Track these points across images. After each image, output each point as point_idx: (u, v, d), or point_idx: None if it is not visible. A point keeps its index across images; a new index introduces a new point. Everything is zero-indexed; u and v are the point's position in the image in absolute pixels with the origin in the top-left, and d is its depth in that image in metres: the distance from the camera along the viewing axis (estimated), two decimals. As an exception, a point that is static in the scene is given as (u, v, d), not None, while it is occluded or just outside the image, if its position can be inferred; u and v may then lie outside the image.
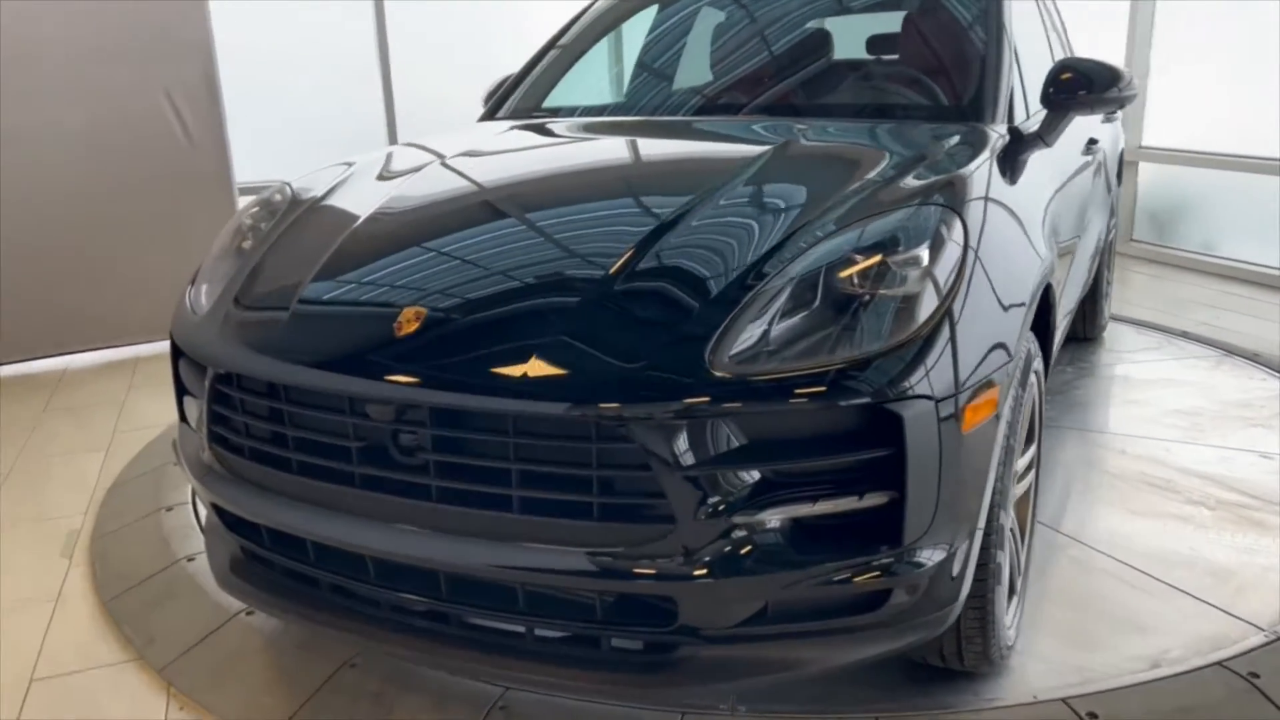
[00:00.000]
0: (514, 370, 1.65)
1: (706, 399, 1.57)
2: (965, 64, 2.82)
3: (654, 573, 1.61)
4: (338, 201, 2.37)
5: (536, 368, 1.64)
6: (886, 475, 1.60)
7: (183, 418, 2.21)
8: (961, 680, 2.09)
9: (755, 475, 1.60)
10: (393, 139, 6.06)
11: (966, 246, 1.83)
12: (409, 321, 1.77)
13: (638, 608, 1.70)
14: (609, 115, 3.17)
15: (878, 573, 1.64)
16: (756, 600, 1.66)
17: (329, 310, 1.93)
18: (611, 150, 2.67)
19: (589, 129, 2.95)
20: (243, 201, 4.83)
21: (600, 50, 3.50)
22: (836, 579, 1.63)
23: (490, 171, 2.55)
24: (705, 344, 1.63)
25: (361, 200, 2.32)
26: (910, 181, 2.03)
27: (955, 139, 2.37)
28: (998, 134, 2.47)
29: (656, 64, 3.50)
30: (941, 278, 1.75)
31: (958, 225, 1.85)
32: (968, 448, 1.68)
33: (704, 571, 1.60)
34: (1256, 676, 2.08)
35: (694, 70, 3.34)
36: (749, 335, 1.64)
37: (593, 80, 3.54)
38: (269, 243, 2.21)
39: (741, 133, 2.71)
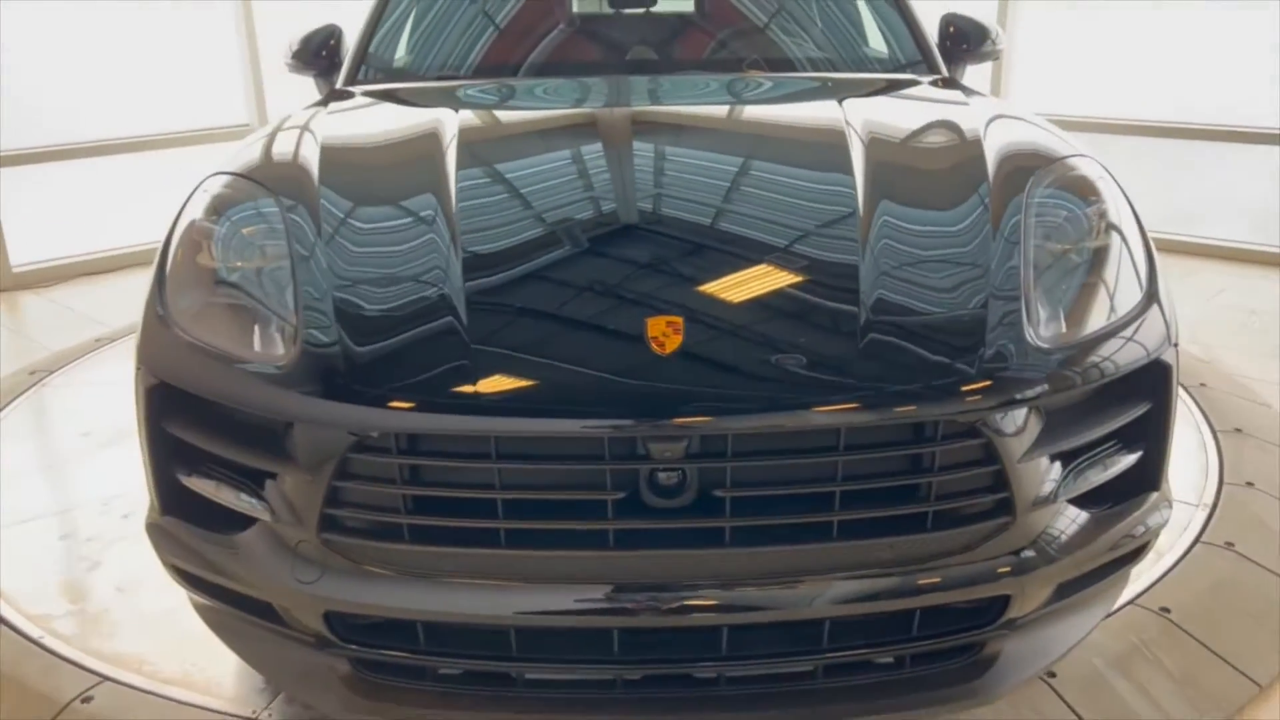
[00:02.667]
0: (841, 377, 1.47)
1: (1050, 377, 1.52)
2: (890, 15, 2.95)
3: (1007, 571, 1.53)
4: (378, 192, 1.87)
5: (864, 370, 1.47)
6: (1148, 425, 1.69)
7: (168, 513, 1.68)
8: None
9: (1069, 450, 1.59)
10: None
11: (1122, 191, 1.90)
12: (667, 335, 1.48)
13: (956, 613, 1.61)
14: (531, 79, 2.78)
15: (1149, 522, 1.71)
16: (1066, 576, 1.63)
17: (531, 330, 1.55)
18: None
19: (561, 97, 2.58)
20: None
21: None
22: (1122, 536, 1.67)
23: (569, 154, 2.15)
24: (1020, 323, 1.56)
25: (416, 177, 1.88)
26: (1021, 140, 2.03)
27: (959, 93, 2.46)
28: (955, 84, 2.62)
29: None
30: (1126, 223, 1.83)
31: (1106, 172, 1.93)
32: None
33: (1045, 559, 1.56)
34: (1168, 611, 2.23)
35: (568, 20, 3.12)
36: (1040, 309, 1.62)
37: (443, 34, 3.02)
38: (315, 251, 1.68)
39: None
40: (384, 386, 1.47)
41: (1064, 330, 1.62)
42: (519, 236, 1.74)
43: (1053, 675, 2.01)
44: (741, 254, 1.70)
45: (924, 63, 2.79)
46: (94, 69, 5.36)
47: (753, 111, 2.45)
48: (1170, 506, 1.78)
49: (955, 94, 2.43)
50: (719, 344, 1.51)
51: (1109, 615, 2.17)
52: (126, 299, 4.62)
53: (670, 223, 1.77)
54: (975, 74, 5.51)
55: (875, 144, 1.98)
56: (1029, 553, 1.56)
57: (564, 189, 1.93)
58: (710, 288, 1.60)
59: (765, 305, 1.58)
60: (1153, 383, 1.67)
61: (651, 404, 1.43)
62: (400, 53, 2.96)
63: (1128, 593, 2.25)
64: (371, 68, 2.86)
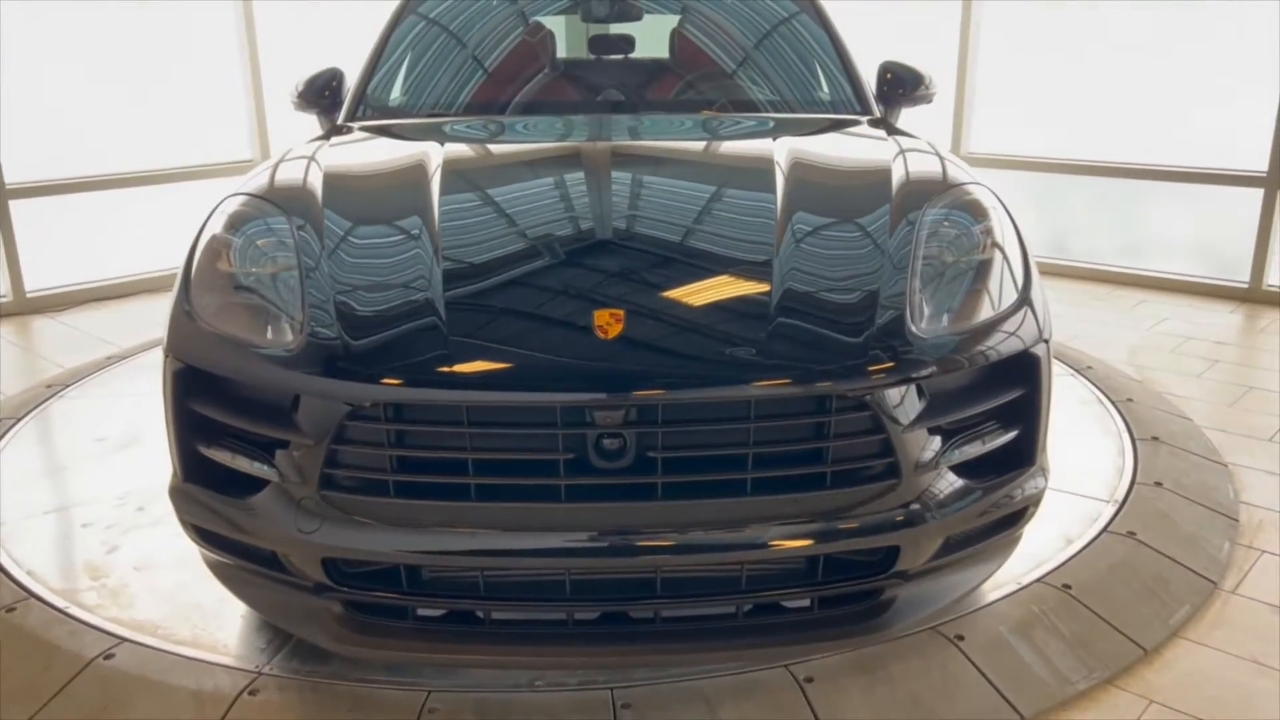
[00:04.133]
0: (751, 358, 1.77)
1: (927, 361, 1.83)
2: (833, 64, 3.31)
3: (900, 520, 1.83)
4: (373, 213, 2.21)
5: (771, 352, 1.79)
6: (1022, 409, 2.00)
7: (189, 480, 1.97)
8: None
9: (948, 424, 1.89)
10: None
11: (1009, 215, 2.25)
12: (610, 324, 1.80)
13: (854, 563, 1.91)
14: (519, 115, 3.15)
15: (1025, 489, 2.02)
16: (949, 533, 1.93)
17: (499, 323, 1.86)
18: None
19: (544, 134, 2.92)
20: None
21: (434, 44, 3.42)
22: (1001, 501, 1.98)
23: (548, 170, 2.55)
24: (904, 317, 1.87)
25: (405, 200, 2.20)
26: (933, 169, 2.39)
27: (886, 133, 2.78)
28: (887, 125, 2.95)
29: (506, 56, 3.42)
30: (1009, 241, 2.16)
31: (996, 198, 2.28)
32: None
33: (928, 515, 1.86)
34: (1069, 587, 2.51)
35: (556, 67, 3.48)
36: (925, 306, 1.93)
37: (442, 76, 3.38)
38: (321, 264, 1.96)
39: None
40: (374, 366, 1.79)
41: (945, 325, 1.94)
42: (490, 248, 2.08)
43: (961, 638, 2.29)
44: (677, 259, 2.04)
45: (860, 105, 3.13)
46: (113, 107, 5.69)
47: (702, 146, 2.81)
48: (1045, 479, 2.08)
49: (879, 132, 2.77)
50: (653, 331, 1.84)
51: (1015, 591, 2.47)
52: (134, 322, 4.95)
53: (619, 236, 2.09)
54: (937, 118, 5.91)
55: (796, 173, 2.31)
56: (913, 509, 1.86)
57: (531, 210, 2.27)
58: (649, 286, 1.93)
59: (692, 300, 1.91)
60: (1025, 372, 1.99)
61: (595, 380, 1.75)
62: (396, 93, 3.32)
63: (1034, 572, 2.54)
64: (369, 106, 3.21)
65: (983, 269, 2.07)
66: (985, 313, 2.00)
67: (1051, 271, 5.87)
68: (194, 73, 5.93)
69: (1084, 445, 3.30)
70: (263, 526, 1.88)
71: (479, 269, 2.00)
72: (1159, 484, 3.01)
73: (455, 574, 1.88)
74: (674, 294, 1.91)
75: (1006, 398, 1.97)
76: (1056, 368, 4.25)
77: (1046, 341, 2.04)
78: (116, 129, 5.70)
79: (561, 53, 3.69)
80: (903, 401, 1.84)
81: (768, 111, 3.16)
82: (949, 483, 1.92)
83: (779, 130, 2.82)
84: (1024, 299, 2.06)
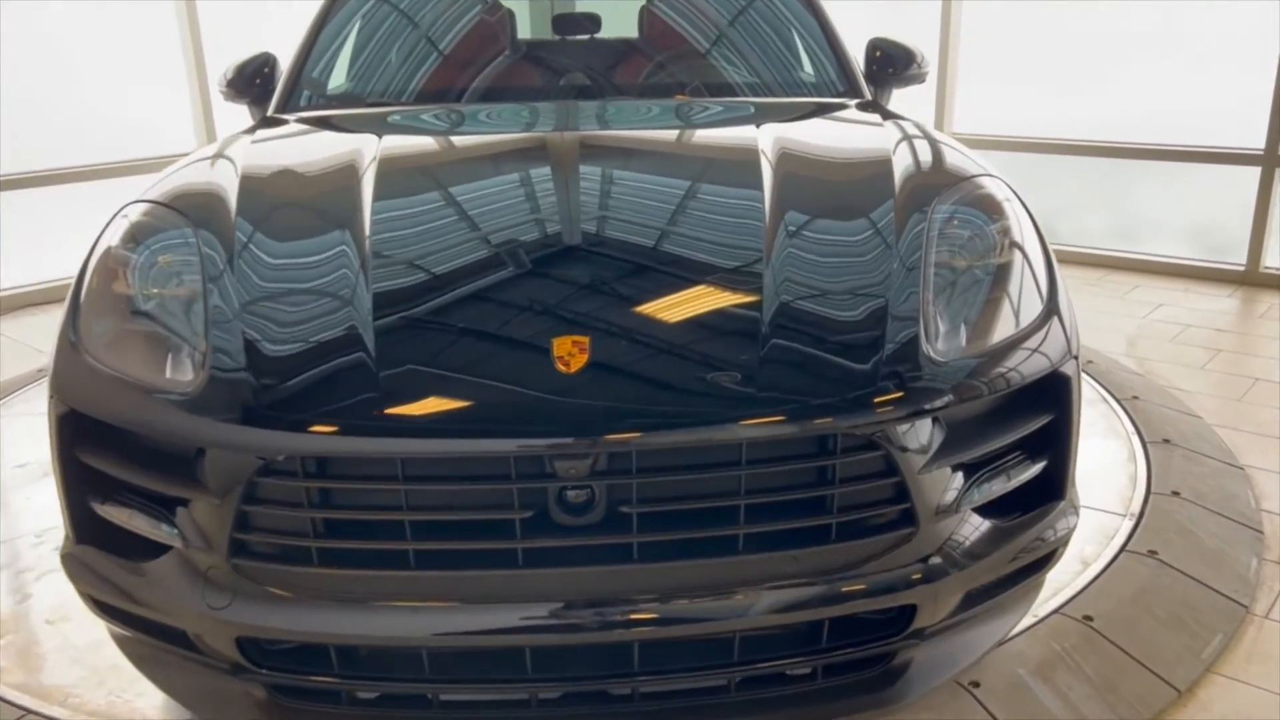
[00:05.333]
0: (741, 393, 1.49)
1: (947, 390, 1.55)
2: (818, 42, 3.03)
3: (912, 580, 1.56)
4: (294, 223, 1.89)
5: (764, 386, 1.50)
6: (1051, 436, 1.72)
7: (82, 542, 1.68)
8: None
9: (970, 460, 1.62)
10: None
11: (1027, 210, 1.95)
12: (573, 355, 1.51)
13: (864, 622, 1.64)
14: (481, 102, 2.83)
15: (1056, 529, 1.76)
16: (972, 586, 1.66)
17: (439, 356, 1.56)
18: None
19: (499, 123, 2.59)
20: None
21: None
22: (1030, 545, 1.71)
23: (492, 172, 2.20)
24: (917, 337, 1.59)
25: (332, 205, 1.91)
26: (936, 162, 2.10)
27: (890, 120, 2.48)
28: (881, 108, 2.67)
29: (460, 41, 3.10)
30: (1029, 240, 1.88)
31: (1012, 191, 1.98)
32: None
33: (950, 569, 1.59)
34: (1091, 619, 2.27)
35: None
36: (939, 323, 1.65)
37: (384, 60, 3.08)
38: (226, 280, 1.68)
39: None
40: (287, 410, 1.49)
41: (963, 344, 1.66)
42: (429, 264, 1.77)
43: (976, 685, 2.04)
44: (653, 272, 1.74)
45: (849, 87, 2.85)
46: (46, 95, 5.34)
47: (677, 136, 2.49)
48: (1077, 514, 1.82)
49: (872, 116, 2.50)
50: (624, 362, 1.54)
51: (1033, 625, 2.22)
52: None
53: (584, 245, 1.79)
54: (920, 99, 5.66)
55: (785, 165, 2.03)
56: (933, 562, 1.59)
57: (481, 216, 1.95)
58: (618, 306, 1.64)
59: (670, 322, 1.62)
60: (1054, 394, 1.72)
61: (555, 423, 1.45)
62: (335, 79, 2.99)
63: (1052, 602, 2.30)
64: (305, 95, 2.87)
65: (1001, 275, 1.80)
66: (1007, 327, 1.72)
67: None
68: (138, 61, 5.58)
69: (1093, 450, 3.06)
70: (165, 600, 1.58)
71: (416, 290, 1.68)
72: (1176, 493, 2.78)
73: (397, 649, 1.59)
74: (649, 315, 1.62)
75: (1033, 425, 1.71)
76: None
77: (1076, 358, 1.78)
78: (51, 122, 5.34)
79: (523, 34, 3.39)
80: (919, 437, 1.56)
81: (747, 95, 2.87)
82: (972, 527, 1.65)
83: (761, 116, 2.53)
84: (1050, 309, 1.79)
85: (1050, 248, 1.93)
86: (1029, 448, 1.73)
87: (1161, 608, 2.31)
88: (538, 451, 1.45)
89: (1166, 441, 3.09)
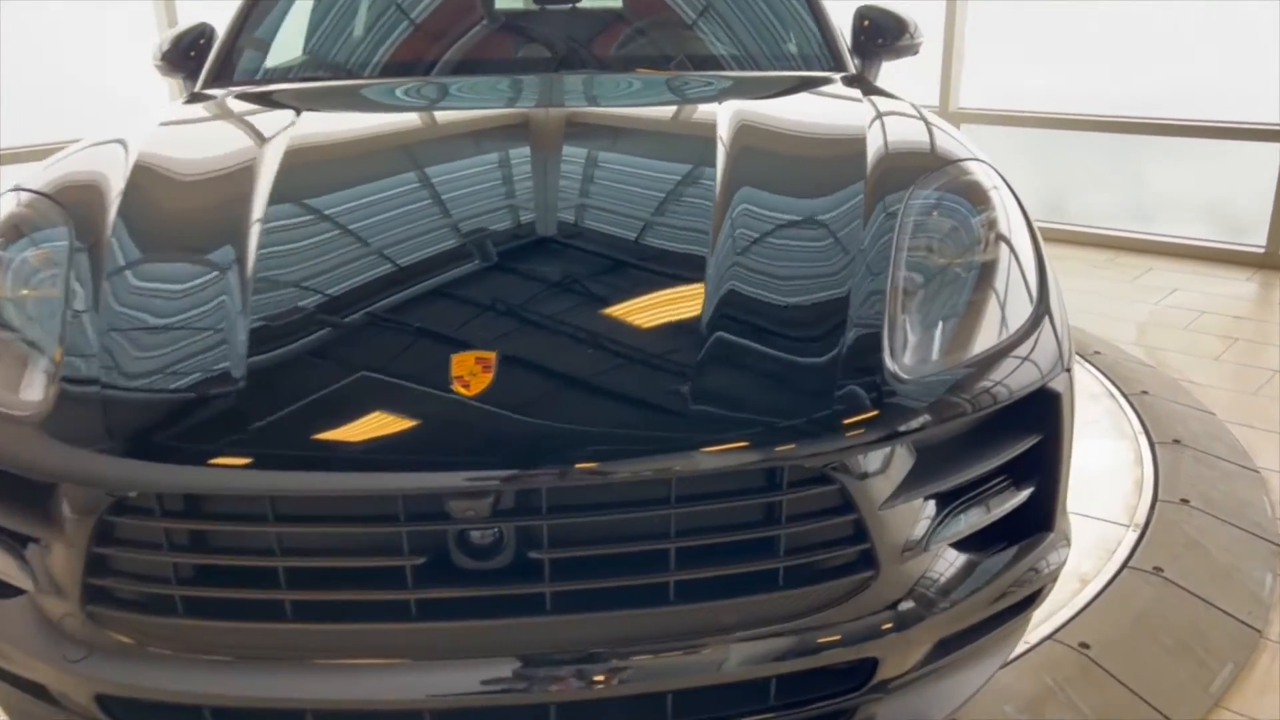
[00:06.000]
0: (668, 419, 1.27)
1: (913, 412, 1.34)
2: (800, 13, 2.78)
3: (879, 626, 1.35)
4: (176, 227, 1.63)
5: (696, 410, 1.28)
6: (1038, 458, 1.51)
7: None
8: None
9: (945, 492, 1.41)
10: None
11: (1017, 199, 1.73)
12: (475, 374, 1.28)
13: (820, 677, 1.41)
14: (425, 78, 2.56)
15: (1044, 565, 1.55)
16: (944, 634, 1.46)
17: (319, 377, 1.33)
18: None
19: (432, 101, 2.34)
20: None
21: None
22: (1013, 584, 1.50)
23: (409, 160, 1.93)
24: (880, 349, 1.38)
25: (222, 205, 1.66)
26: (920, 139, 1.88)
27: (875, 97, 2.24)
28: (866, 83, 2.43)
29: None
30: (1018, 233, 1.66)
31: (1001, 179, 1.75)
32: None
33: (916, 616, 1.38)
34: (1087, 647, 2.06)
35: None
36: (909, 332, 1.44)
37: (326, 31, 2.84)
38: (94, 287, 1.47)
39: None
40: (141, 439, 1.27)
41: (937, 356, 1.44)
42: (317, 273, 1.53)
43: (958, 725, 1.85)
44: (578, 276, 1.52)
45: (832, 60, 2.61)
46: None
47: (621, 114, 2.24)
48: (1068, 546, 1.62)
49: (852, 91, 2.26)
50: (536, 381, 1.33)
51: (1024, 653, 2.02)
52: None
53: (502, 246, 1.57)
54: (923, 72, 5.41)
55: (742, 141, 1.81)
56: (898, 609, 1.38)
57: (391, 218, 1.68)
58: (534, 315, 1.41)
59: (594, 333, 1.40)
60: (1042, 412, 1.50)
61: (448, 455, 1.24)
62: (273, 50, 2.72)
63: (1045, 627, 2.10)
64: (239, 67, 2.62)
65: (986, 274, 1.58)
66: (990, 336, 1.49)
67: (1045, 237, 5.39)
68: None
69: (1097, 452, 2.85)
70: (20, 648, 1.37)
71: (298, 305, 1.45)
72: (1185, 501, 2.57)
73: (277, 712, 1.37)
74: (569, 324, 1.40)
75: (1018, 448, 1.48)
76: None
77: (1069, 370, 1.56)
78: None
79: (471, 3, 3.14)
80: (881, 467, 1.34)
81: (725, 68, 2.63)
82: (945, 565, 1.44)
83: (729, 92, 2.29)
84: (1041, 313, 1.57)
85: (1042, 244, 1.71)
86: (1014, 473, 1.52)
87: (1166, 633, 2.10)
88: (427, 488, 1.23)
89: (1176, 442, 2.87)
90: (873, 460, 1.33)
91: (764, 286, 1.47)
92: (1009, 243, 1.63)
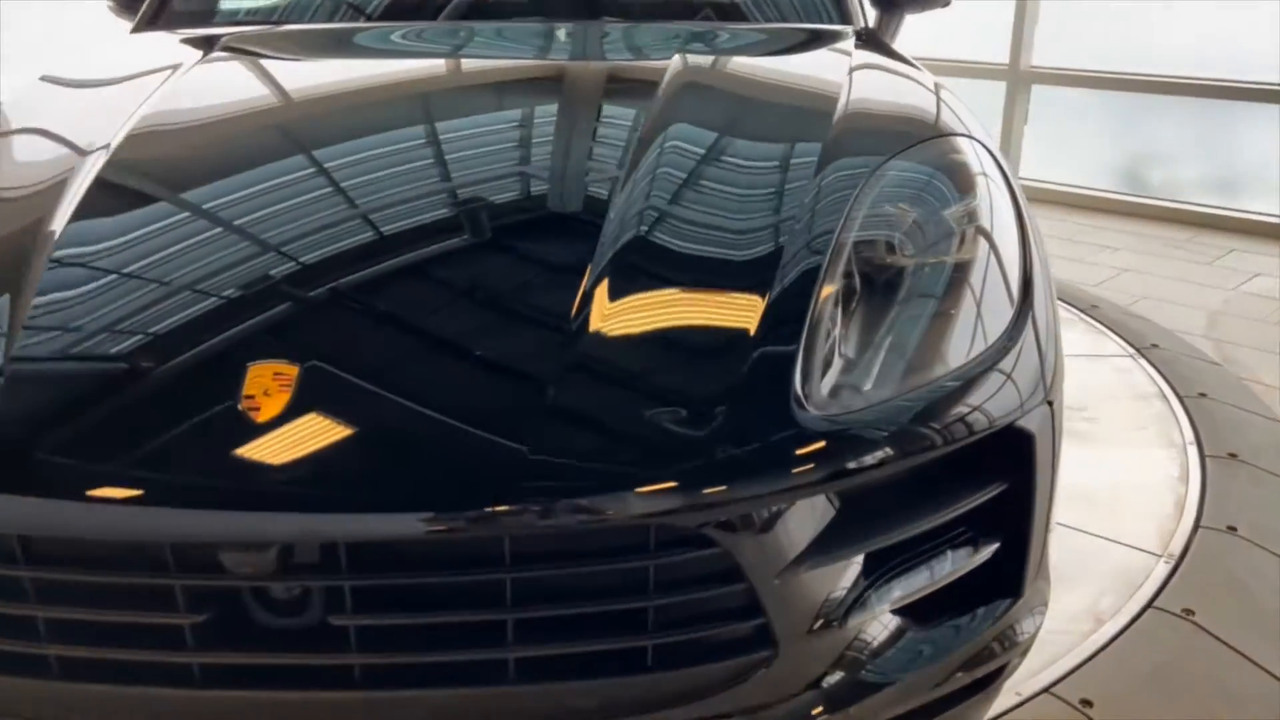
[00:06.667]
0: (507, 456, 1.03)
1: (831, 456, 1.07)
2: None
3: (799, 715, 1.12)
4: None
5: (541, 446, 1.04)
6: (1004, 510, 1.23)
7: None
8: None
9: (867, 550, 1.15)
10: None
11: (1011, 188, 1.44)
12: (269, 394, 1.07)
13: None
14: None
15: (1008, 637, 1.28)
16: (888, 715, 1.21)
17: (82, 392, 1.14)
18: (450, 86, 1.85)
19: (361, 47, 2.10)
20: None
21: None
22: (965, 664, 1.23)
23: (280, 117, 1.71)
24: (789, 381, 1.11)
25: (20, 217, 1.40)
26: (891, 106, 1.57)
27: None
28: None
29: None
30: (1003, 230, 1.38)
31: (995, 163, 1.47)
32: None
33: (826, 709, 1.14)
34: (1089, 705, 1.78)
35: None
36: (838, 350, 1.19)
37: None
38: None
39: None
40: None
41: (868, 386, 1.16)
42: (110, 275, 1.28)
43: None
44: (427, 260, 1.27)
45: (838, 14, 2.26)
46: None
47: (555, 69, 1.97)
48: (1043, 612, 1.33)
49: (845, 44, 1.94)
50: (348, 400, 1.09)
51: (1014, 707, 1.76)
52: None
53: (347, 231, 1.32)
54: (998, 20, 4.97)
55: (680, 92, 1.55)
56: (799, 698, 1.12)
57: (235, 204, 1.42)
58: (361, 316, 1.17)
59: (422, 345, 1.16)
60: (1010, 455, 1.22)
61: (222, 495, 1.01)
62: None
63: (1044, 677, 1.82)
64: (191, 4, 2.35)
65: (958, 279, 1.29)
66: (948, 360, 1.20)
67: (1120, 210, 4.96)
68: None
69: (1135, 464, 2.52)
70: None
71: (79, 305, 1.21)
72: (1233, 529, 2.24)
73: None
74: (398, 323, 1.16)
75: (974, 501, 1.20)
76: (1110, 346, 3.48)
77: (1051, 403, 1.26)
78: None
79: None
80: (778, 525, 1.07)
81: (712, 19, 2.32)
82: (874, 638, 1.18)
83: (690, 43, 2.00)
84: (1018, 332, 1.26)
85: (1038, 245, 1.40)
86: (974, 526, 1.24)
87: (1188, 691, 1.81)
88: (196, 535, 1.01)
89: (1232, 456, 2.53)
90: (767, 517, 1.06)
91: (663, 276, 1.22)
92: (991, 240, 1.33)
